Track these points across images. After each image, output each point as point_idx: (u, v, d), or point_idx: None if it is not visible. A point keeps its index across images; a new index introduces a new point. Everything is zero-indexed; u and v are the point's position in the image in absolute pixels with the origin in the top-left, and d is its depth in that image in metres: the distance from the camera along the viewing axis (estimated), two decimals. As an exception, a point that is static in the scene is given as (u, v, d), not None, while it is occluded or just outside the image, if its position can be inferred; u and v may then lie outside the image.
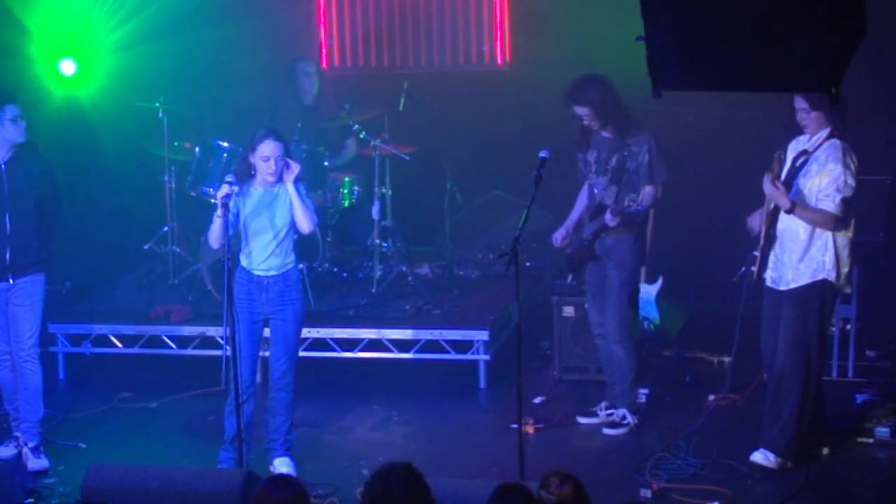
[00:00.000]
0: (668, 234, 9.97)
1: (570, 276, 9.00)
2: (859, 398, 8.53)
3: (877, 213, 9.53)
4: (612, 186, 8.03)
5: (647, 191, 7.96)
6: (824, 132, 7.36)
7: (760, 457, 7.49)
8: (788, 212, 7.29)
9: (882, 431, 7.91)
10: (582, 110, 8.02)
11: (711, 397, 8.56)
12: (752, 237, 7.57)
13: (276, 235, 7.51)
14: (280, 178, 7.49)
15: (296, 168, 7.45)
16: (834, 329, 9.12)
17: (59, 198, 8.00)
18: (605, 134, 8.11)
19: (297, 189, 7.45)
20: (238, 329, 7.29)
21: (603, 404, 8.42)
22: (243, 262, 7.55)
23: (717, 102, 9.97)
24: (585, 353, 9.11)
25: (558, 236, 8.30)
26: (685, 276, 10.02)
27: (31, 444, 7.94)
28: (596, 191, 8.17)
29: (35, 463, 7.89)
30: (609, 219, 7.94)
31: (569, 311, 9.15)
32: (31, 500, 7.39)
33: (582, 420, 8.43)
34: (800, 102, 7.36)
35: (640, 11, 4.64)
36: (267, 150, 7.43)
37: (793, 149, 7.52)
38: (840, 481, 7.46)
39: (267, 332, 7.76)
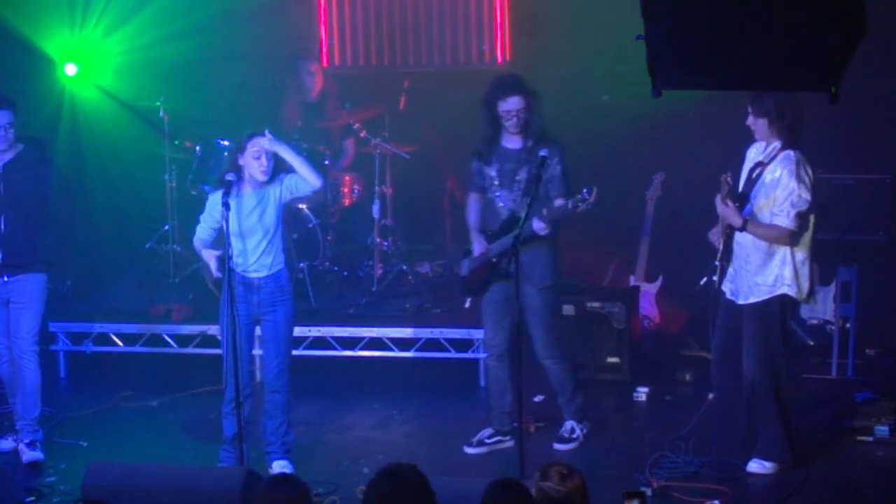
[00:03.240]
0: (667, 233, 9.99)
1: (468, 301, 8.53)
2: (859, 397, 8.53)
3: (877, 212, 9.55)
4: (525, 198, 7.64)
5: (560, 202, 7.66)
6: (777, 143, 7.32)
7: (756, 466, 7.48)
8: (741, 229, 7.25)
9: (881, 430, 7.93)
10: (520, 102, 7.69)
11: (711, 396, 8.57)
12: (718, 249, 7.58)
13: (265, 236, 7.49)
14: (269, 178, 7.49)
15: (267, 140, 7.41)
16: (834, 327, 9.14)
17: (61, 196, 7.99)
18: (510, 145, 7.84)
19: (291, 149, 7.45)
20: (237, 329, 7.31)
21: (488, 431, 8.09)
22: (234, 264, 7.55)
23: (717, 102, 9.99)
24: (586, 352, 9.12)
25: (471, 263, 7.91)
26: (685, 274, 10.03)
27: (26, 440, 7.96)
28: (501, 204, 7.85)
29: (30, 455, 7.91)
30: (540, 227, 7.56)
31: (568, 309, 9.16)
32: (32, 498, 7.39)
33: (559, 447, 8.06)
34: (749, 108, 7.33)
35: (639, 11, 4.65)
36: (257, 146, 7.44)
37: (750, 157, 7.50)
38: (840, 479, 7.47)
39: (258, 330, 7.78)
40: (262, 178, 7.44)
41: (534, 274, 7.78)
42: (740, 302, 7.43)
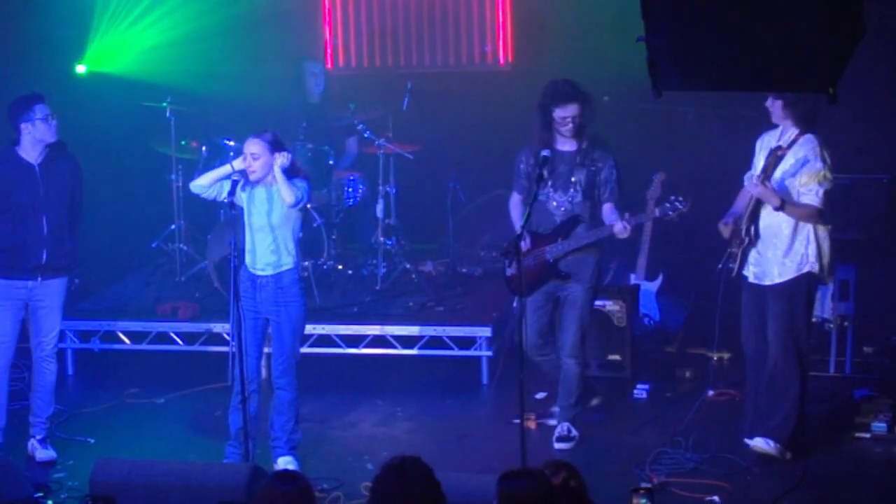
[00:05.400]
0: (667, 232, 10.04)
1: (515, 302, 8.37)
2: (857, 394, 8.60)
3: (874, 211, 9.62)
4: (586, 202, 7.88)
5: (611, 207, 7.88)
6: (794, 129, 7.47)
7: (761, 442, 7.56)
8: (779, 209, 7.37)
9: (879, 426, 8.00)
10: (576, 109, 7.82)
11: (710, 393, 8.64)
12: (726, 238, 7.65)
13: (272, 233, 7.57)
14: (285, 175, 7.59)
15: (283, 157, 7.50)
16: (832, 325, 9.20)
17: (83, 197, 8.03)
18: (565, 147, 7.91)
19: (285, 176, 7.49)
20: (242, 325, 7.39)
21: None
22: (246, 260, 7.66)
23: (717, 102, 10.06)
24: (587, 349, 9.17)
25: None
26: (685, 273, 10.09)
27: (38, 437, 8.03)
28: (555, 205, 7.92)
29: (43, 454, 7.98)
30: (621, 230, 7.75)
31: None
32: (41, 493, 7.44)
33: (562, 446, 8.13)
34: None
35: (640, 12, 4.71)
36: (245, 148, 7.58)
37: (764, 144, 7.63)
38: (837, 476, 7.53)
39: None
40: (251, 177, 7.55)
41: (583, 273, 7.97)
42: (766, 283, 7.55)
